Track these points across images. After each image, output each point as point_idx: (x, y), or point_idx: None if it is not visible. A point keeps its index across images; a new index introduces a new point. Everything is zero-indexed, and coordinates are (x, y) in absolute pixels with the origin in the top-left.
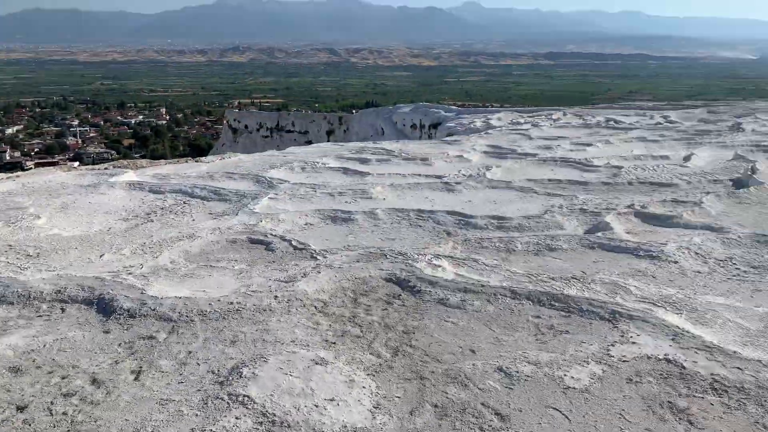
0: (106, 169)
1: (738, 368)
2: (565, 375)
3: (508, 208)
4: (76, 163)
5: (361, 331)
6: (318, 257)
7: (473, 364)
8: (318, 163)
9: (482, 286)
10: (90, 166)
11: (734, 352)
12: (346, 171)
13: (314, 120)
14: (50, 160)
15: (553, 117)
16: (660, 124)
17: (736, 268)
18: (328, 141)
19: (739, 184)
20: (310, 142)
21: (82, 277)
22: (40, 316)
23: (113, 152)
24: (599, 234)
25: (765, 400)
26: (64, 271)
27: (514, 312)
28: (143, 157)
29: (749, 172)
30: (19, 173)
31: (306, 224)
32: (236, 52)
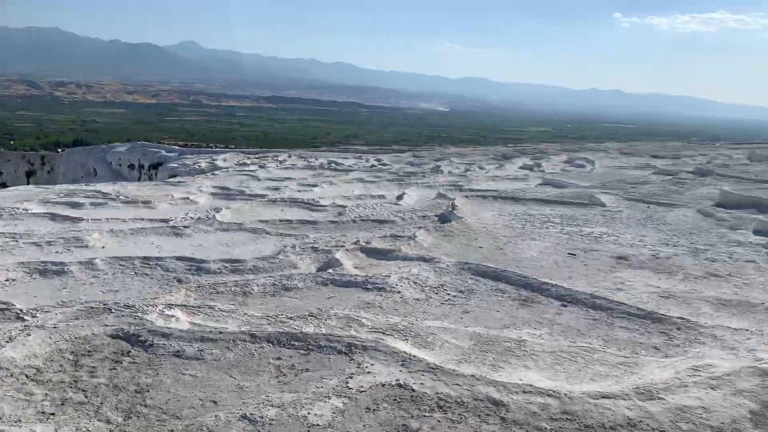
0: None
1: (457, 384)
2: (308, 413)
3: (241, 250)
4: None
5: (86, 397)
6: (26, 317)
7: (216, 416)
8: (18, 208)
9: (220, 333)
10: None
11: (453, 370)
12: (54, 217)
13: (10, 159)
14: None
15: (279, 159)
16: (374, 166)
17: (447, 294)
18: (29, 183)
19: (443, 219)
20: (5, 185)
21: None
22: None
23: None
24: (331, 271)
25: (480, 411)
26: None
27: (254, 356)
28: None
29: (450, 209)
30: None
31: (7, 280)
32: None
